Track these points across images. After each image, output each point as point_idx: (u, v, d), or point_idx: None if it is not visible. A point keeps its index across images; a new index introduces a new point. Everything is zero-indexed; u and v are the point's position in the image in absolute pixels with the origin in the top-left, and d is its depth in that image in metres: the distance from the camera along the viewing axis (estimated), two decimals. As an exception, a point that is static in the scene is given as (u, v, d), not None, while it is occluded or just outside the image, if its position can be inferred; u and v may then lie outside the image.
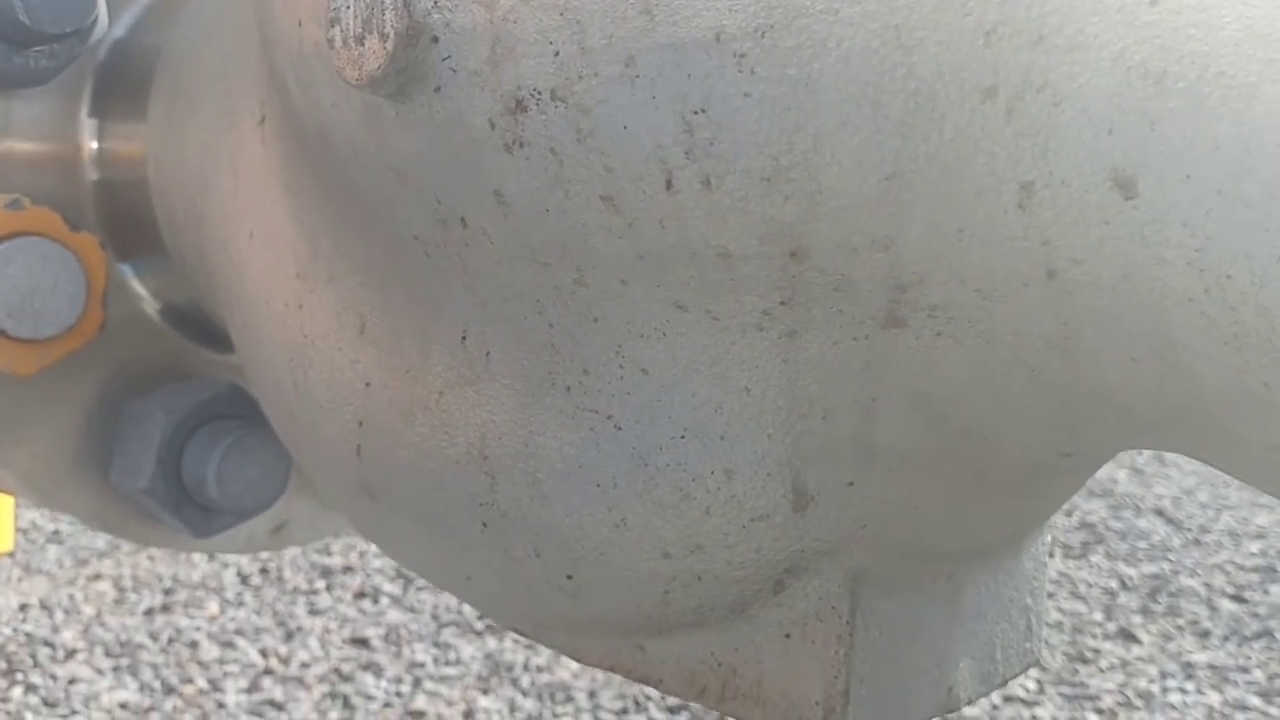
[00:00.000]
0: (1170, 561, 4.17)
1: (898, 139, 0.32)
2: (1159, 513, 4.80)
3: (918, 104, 0.32)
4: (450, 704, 2.91)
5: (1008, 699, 3.08)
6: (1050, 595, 3.83)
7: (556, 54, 0.34)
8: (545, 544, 0.46)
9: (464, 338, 0.45)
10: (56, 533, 4.16)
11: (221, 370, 0.78)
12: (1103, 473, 5.52)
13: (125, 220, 0.74)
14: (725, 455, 0.41)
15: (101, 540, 4.08)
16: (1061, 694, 3.12)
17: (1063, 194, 0.32)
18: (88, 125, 0.74)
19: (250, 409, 0.74)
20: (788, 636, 0.46)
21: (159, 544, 0.78)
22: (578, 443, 0.43)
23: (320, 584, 3.67)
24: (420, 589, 3.62)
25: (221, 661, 3.09)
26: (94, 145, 0.74)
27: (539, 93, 0.34)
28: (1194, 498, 5.04)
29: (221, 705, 2.88)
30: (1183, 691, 3.17)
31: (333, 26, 0.37)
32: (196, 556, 3.90)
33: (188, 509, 0.72)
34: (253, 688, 2.98)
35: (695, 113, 0.33)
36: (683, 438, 0.41)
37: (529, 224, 0.38)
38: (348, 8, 0.37)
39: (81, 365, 0.73)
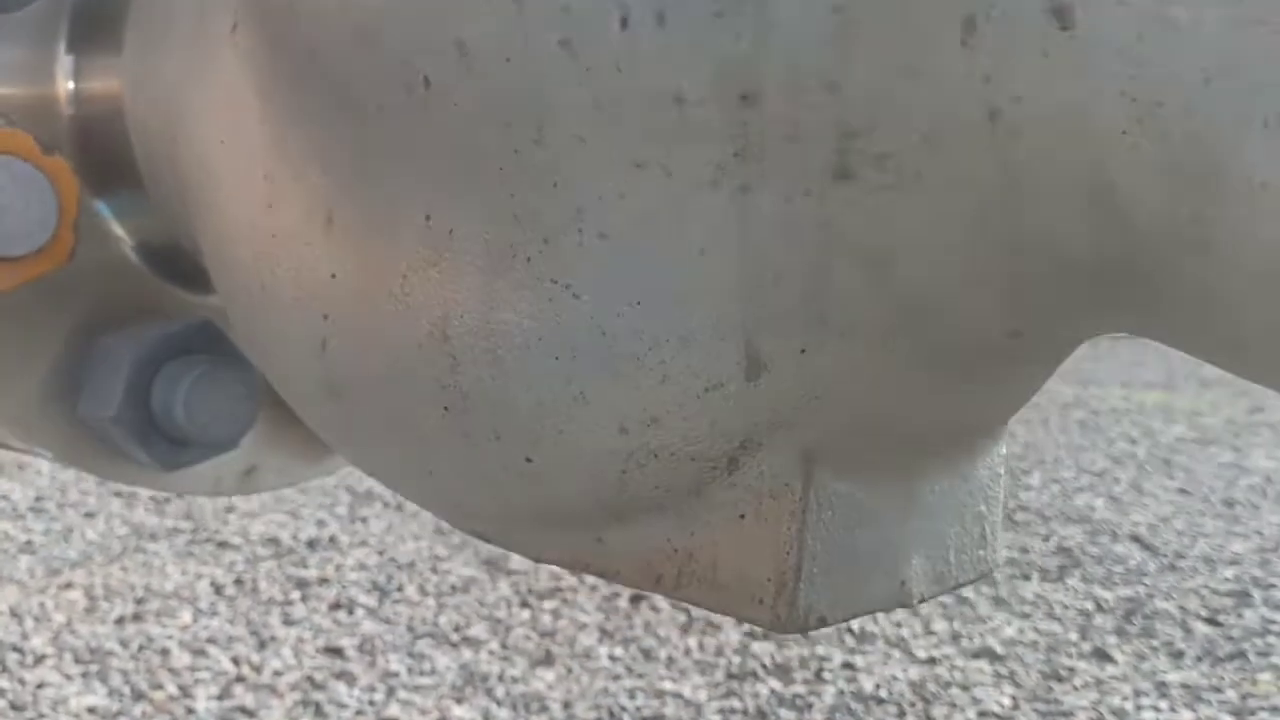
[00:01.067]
0: (1146, 585, 4.18)
1: (844, -32, 0.33)
2: (1135, 539, 4.82)
3: None
4: (424, 713, 2.89)
5: (983, 714, 3.07)
6: (1026, 616, 3.84)
7: (515, -110, 0.35)
8: (505, 425, 0.47)
9: (428, 218, 0.46)
10: (29, 543, 4.14)
11: (196, 311, 0.78)
12: (1080, 500, 5.55)
13: (102, 156, 0.74)
14: (681, 321, 0.42)
15: (74, 550, 4.06)
16: (1036, 710, 3.12)
17: (1003, 27, 0.33)
18: (64, 63, 0.75)
19: (222, 344, 0.75)
20: (742, 517, 0.47)
21: (127, 481, 0.78)
22: (537, 315, 0.44)
23: (295, 595, 3.65)
24: (396, 601, 3.60)
25: (193, 669, 3.07)
26: (70, 83, 0.75)
27: (498, -68, 0.35)
28: (1170, 525, 5.06)
29: (191, 711, 2.86)
30: (1156, 710, 3.17)
31: None
32: (170, 566, 3.87)
33: (155, 440, 0.73)
34: (224, 694, 2.95)
35: None
36: (640, 304, 0.42)
37: (490, 75, 0.38)
38: None
39: (55, 300, 0.74)
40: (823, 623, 0.47)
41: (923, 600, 0.52)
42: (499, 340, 0.45)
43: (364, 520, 4.50)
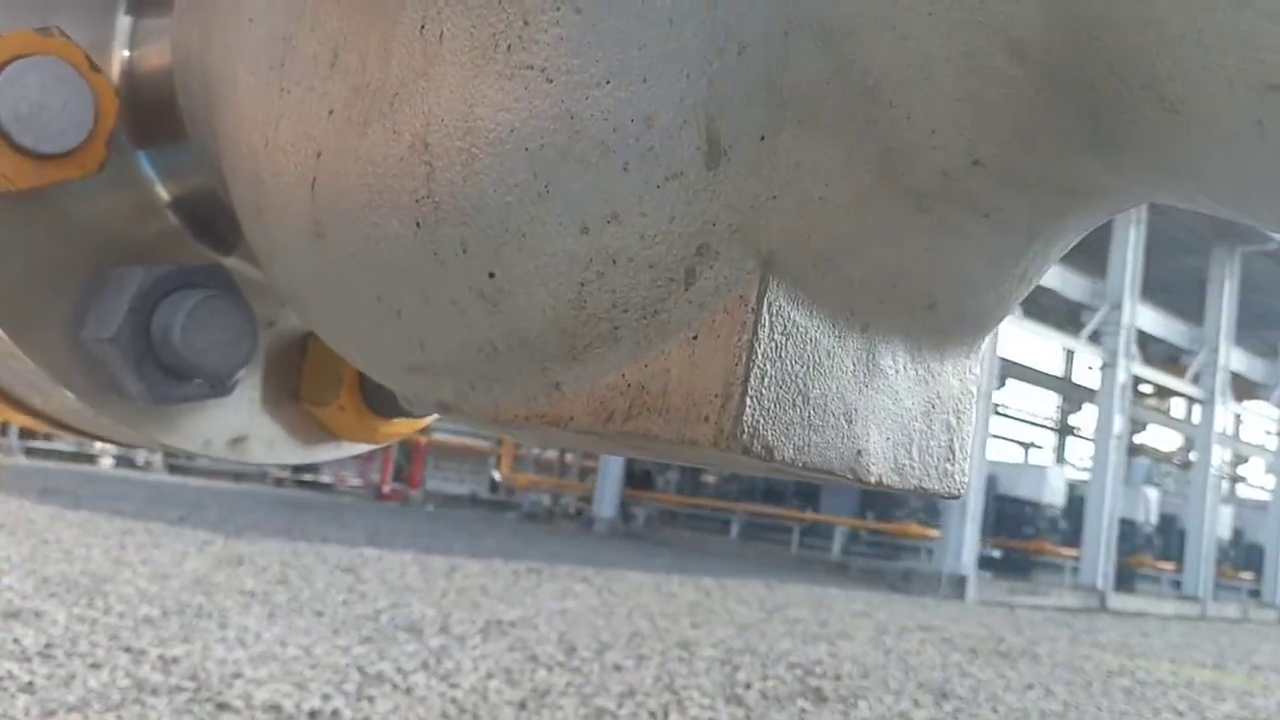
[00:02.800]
0: None
1: None
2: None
3: None
4: None
5: None
6: None
7: None
8: (472, 234, 0.48)
9: (422, 27, 0.48)
10: (30, 684, 4.06)
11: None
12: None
13: (148, 109, 0.78)
14: (646, 100, 0.43)
15: (73, 695, 3.97)
16: None
17: None
18: (122, 26, 0.80)
19: (229, 285, 0.77)
20: (695, 338, 0.46)
21: (117, 419, 0.78)
22: (512, 105, 0.45)
23: (287, 758, 3.51)
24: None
25: (170, 816, 2.94)
26: (125, 50, 0.80)
27: None
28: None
29: None
30: None
31: None
32: (156, 715, 3.76)
33: (149, 366, 0.74)
34: (197, 844, 2.81)
35: None
36: (608, 83, 0.44)
37: None
38: None
39: (87, 240, 0.77)
40: (769, 453, 0.46)
41: (880, 484, 0.51)
42: (475, 138, 0.47)
43: (370, 699, 4.37)
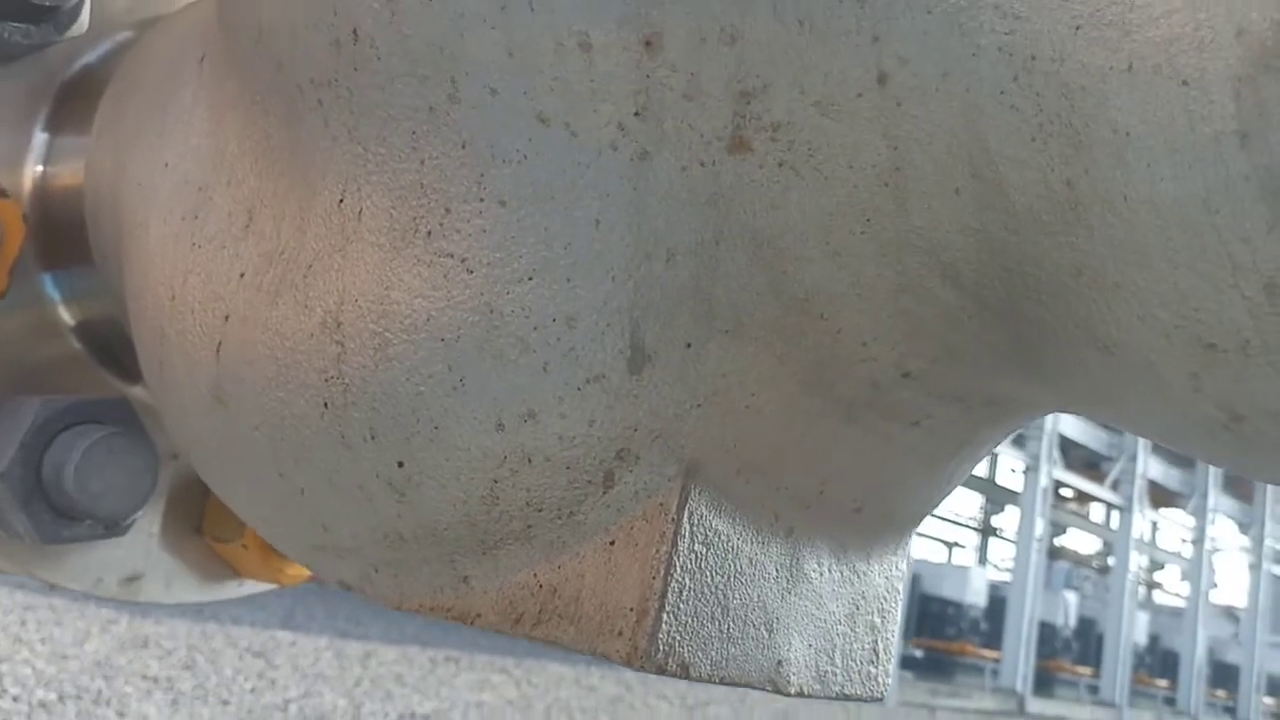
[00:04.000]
0: None
1: (746, -83, 0.35)
2: None
3: None
4: None
5: None
6: None
7: None
8: (382, 421, 0.45)
9: (341, 200, 0.46)
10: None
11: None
12: None
13: (56, 229, 0.75)
14: (569, 300, 0.41)
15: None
16: None
17: None
18: (38, 143, 0.77)
19: (130, 421, 0.73)
20: (612, 544, 0.44)
21: (4, 557, 0.74)
22: (429, 293, 0.43)
23: None
24: None
25: None
26: (39, 166, 0.77)
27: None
28: None
29: None
30: None
31: None
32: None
33: (38, 505, 0.69)
34: None
35: None
36: (530, 279, 0.42)
37: (413, 21, 0.40)
38: None
39: None
40: (685, 671, 0.43)
41: (801, 694, 0.49)
42: (389, 323, 0.44)
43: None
